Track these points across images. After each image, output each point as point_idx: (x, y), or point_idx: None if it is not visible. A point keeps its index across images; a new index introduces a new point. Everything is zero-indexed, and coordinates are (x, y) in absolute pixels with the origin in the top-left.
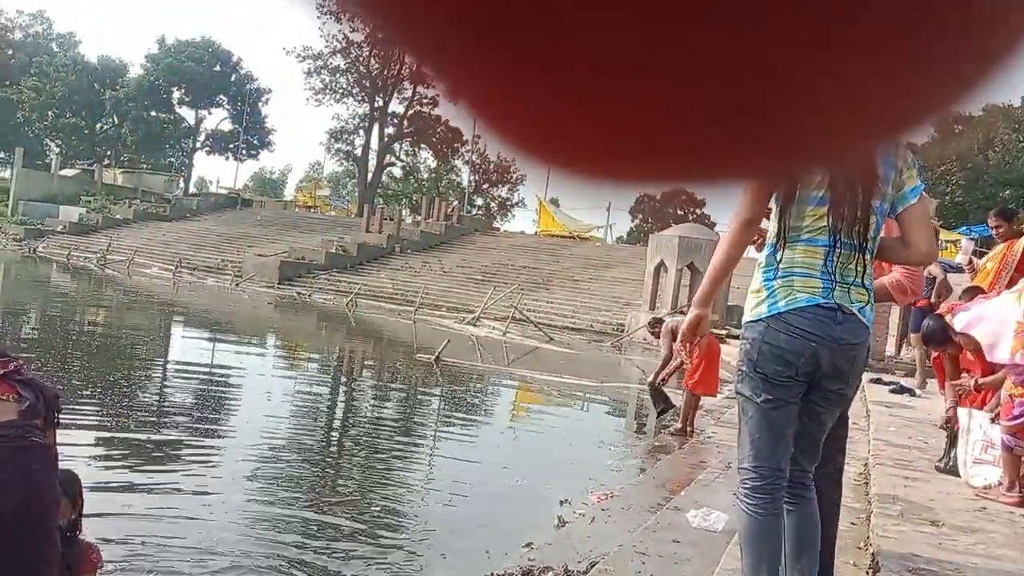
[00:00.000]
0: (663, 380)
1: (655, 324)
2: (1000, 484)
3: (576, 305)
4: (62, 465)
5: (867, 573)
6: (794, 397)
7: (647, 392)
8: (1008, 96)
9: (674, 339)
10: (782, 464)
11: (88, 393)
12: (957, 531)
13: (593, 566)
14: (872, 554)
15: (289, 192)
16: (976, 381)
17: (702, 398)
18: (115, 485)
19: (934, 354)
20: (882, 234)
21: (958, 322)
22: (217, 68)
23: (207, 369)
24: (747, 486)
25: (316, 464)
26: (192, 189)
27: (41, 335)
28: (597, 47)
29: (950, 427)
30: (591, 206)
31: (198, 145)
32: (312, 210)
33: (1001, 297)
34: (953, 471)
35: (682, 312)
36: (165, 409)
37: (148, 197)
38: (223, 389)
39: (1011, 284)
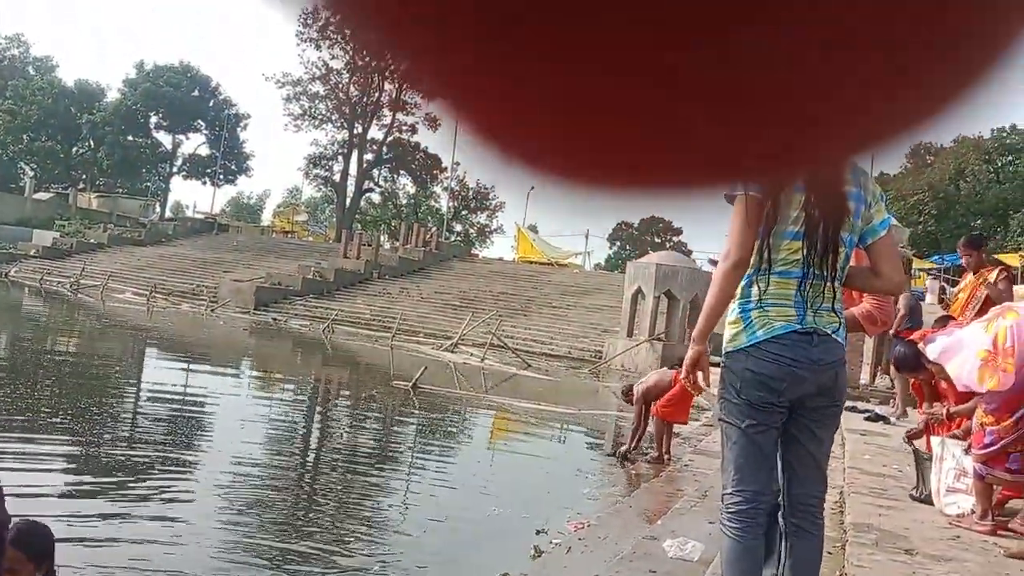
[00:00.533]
0: (634, 447)
1: (627, 392)
2: (973, 512)
3: (554, 332)
4: (32, 503)
5: None
6: (776, 423)
7: (618, 461)
8: (978, 128)
9: (644, 402)
10: (765, 488)
11: (58, 420)
12: (931, 560)
13: None
14: None
15: (266, 217)
16: (948, 409)
17: (676, 426)
18: (85, 512)
19: (913, 380)
20: (852, 263)
21: (931, 351)
22: (195, 93)
23: (180, 396)
24: (731, 510)
25: (288, 492)
26: (168, 214)
27: (10, 361)
28: (583, 54)
29: (911, 445)
30: (571, 232)
31: (175, 170)
32: (289, 235)
33: (971, 327)
34: (927, 500)
35: (659, 339)
36: (137, 436)
37: (123, 222)
38: (196, 416)
39: (981, 314)
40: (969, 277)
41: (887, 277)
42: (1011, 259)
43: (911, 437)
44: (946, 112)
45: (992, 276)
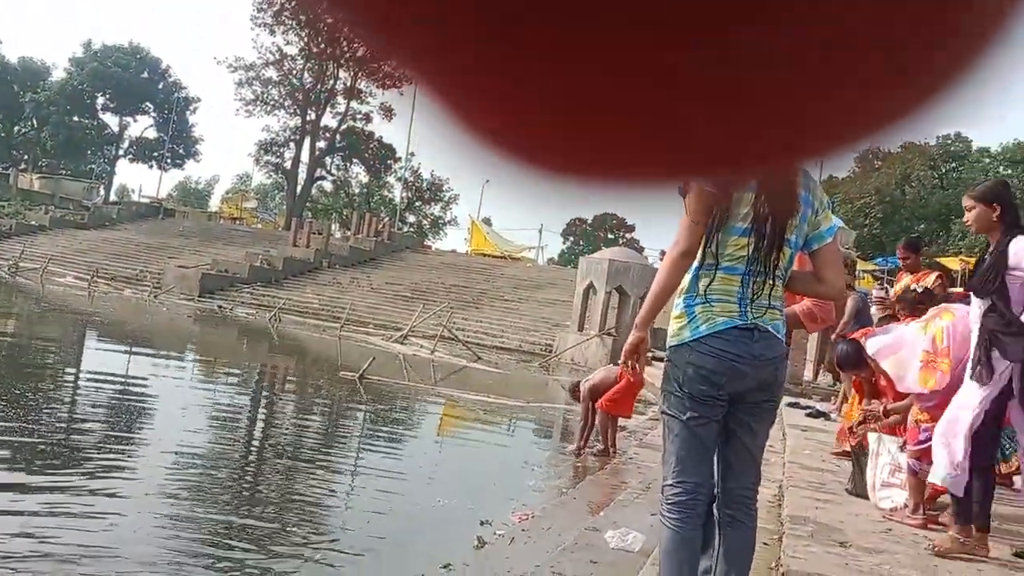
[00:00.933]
0: (585, 443)
1: (574, 389)
2: (906, 506)
3: (505, 325)
4: None
5: None
6: (717, 416)
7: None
8: (924, 135)
9: (591, 399)
10: (705, 480)
11: None
12: (864, 552)
13: None
14: (782, 574)
15: (214, 203)
16: (885, 407)
17: (621, 420)
18: (20, 493)
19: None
20: (795, 267)
21: (871, 346)
22: (145, 75)
23: (120, 382)
24: (671, 501)
25: (231, 479)
26: (113, 197)
27: None
28: (571, 48)
29: (858, 445)
30: (523, 227)
31: (121, 152)
32: (238, 222)
33: (911, 326)
34: (863, 494)
35: (609, 334)
36: (75, 421)
37: (66, 204)
38: (136, 403)
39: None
40: (906, 279)
41: (831, 283)
42: (952, 263)
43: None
44: (921, 114)
45: (929, 280)
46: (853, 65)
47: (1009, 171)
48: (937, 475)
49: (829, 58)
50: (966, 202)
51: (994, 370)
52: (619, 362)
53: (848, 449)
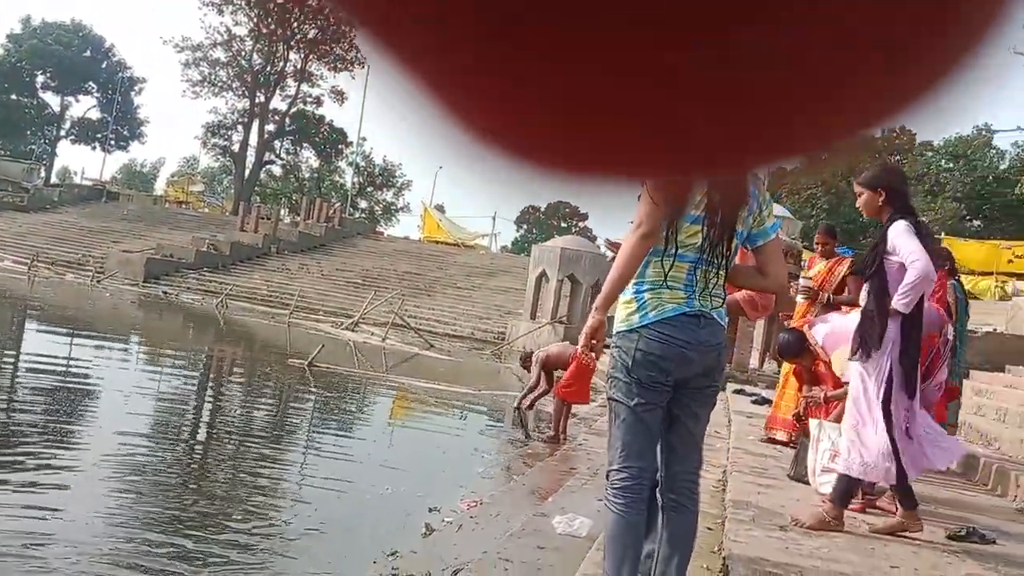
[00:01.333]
0: (530, 405)
1: (526, 359)
2: None
3: (458, 312)
4: None
5: None
6: (663, 401)
7: (515, 414)
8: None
9: (543, 367)
10: (650, 465)
11: None
12: (803, 536)
13: (456, 573)
14: (724, 558)
15: (160, 187)
16: (825, 394)
17: (574, 406)
18: None
19: (793, 365)
20: (737, 260)
21: (816, 335)
22: (87, 53)
23: (61, 369)
24: (617, 486)
25: (174, 466)
26: (54, 179)
27: None
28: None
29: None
30: (476, 214)
31: (62, 133)
32: (184, 206)
33: (851, 316)
34: (804, 479)
35: (561, 322)
36: (14, 408)
37: (4, 186)
38: (78, 390)
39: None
40: (820, 265)
41: (774, 277)
42: None
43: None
44: (916, 109)
45: (844, 267)
46: (847, 60)
47: (951, 165)
48: (853, 468)
49: (823, 52)
50: (856, 188)
51: (870, 351)
52: (578, 346)
53: (778, 437)
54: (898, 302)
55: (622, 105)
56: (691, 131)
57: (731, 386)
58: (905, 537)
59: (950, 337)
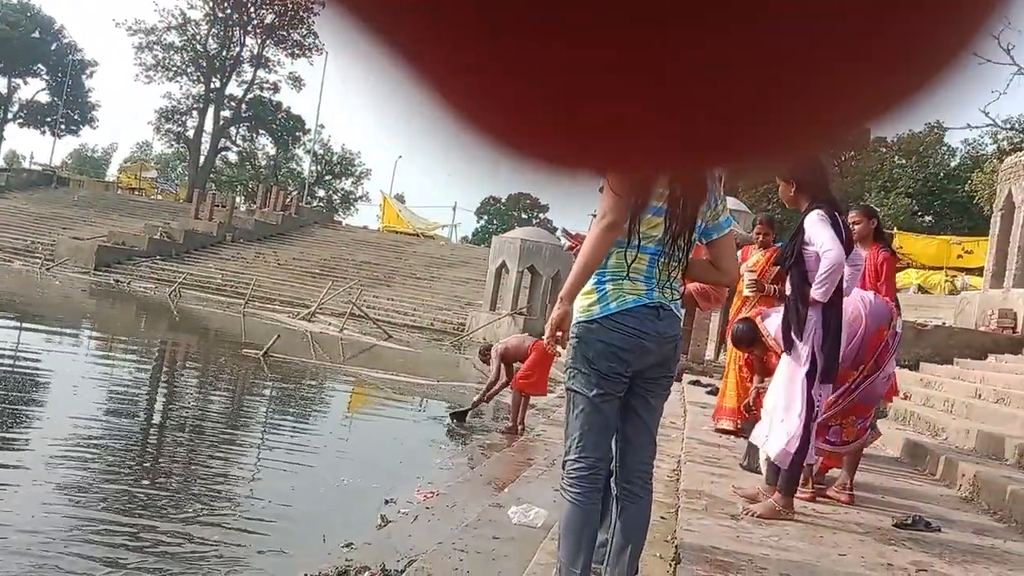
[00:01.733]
0: (488, 398)
1: (484, 352)
2: None
3: (418, 303)
4: None
5: (670, 565)
6: (620, 392)
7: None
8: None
9: (502, 359)
10: (606, 455)
11: None
12: (755, 524)
13: (411, 564)
14: (676, 547)
15: (112, 172)
16: None
17: (532, 397)
18: None
19: (746, 354)
20: (692, 255)
21: (769, 324)
22: (36, 34)
23: (8, 357)
24: (573, 476)
25: (123, 456)
26: (1, 163)
27: None
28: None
29: (747, 417)
30: (437, 204)
31: (10, 116)
32: (136, 192)
33: None
34: (756, 469)
35: (520, 313)
36: None
37: None
38: (26, 379)
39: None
40: (758, 255)
41: (726, 271)
42: None
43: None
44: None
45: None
46: (815, 65)
47: (904, 161)
48: (773, 450)
49: (790, 57)
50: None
51: (792, 341)
52: (544, 337)
53: (726, 427)
54: (815, 291)
55: (590, 96)
56: (657, 126)
57: (687, 377)
58: (851, 525)
59: (899, 330)
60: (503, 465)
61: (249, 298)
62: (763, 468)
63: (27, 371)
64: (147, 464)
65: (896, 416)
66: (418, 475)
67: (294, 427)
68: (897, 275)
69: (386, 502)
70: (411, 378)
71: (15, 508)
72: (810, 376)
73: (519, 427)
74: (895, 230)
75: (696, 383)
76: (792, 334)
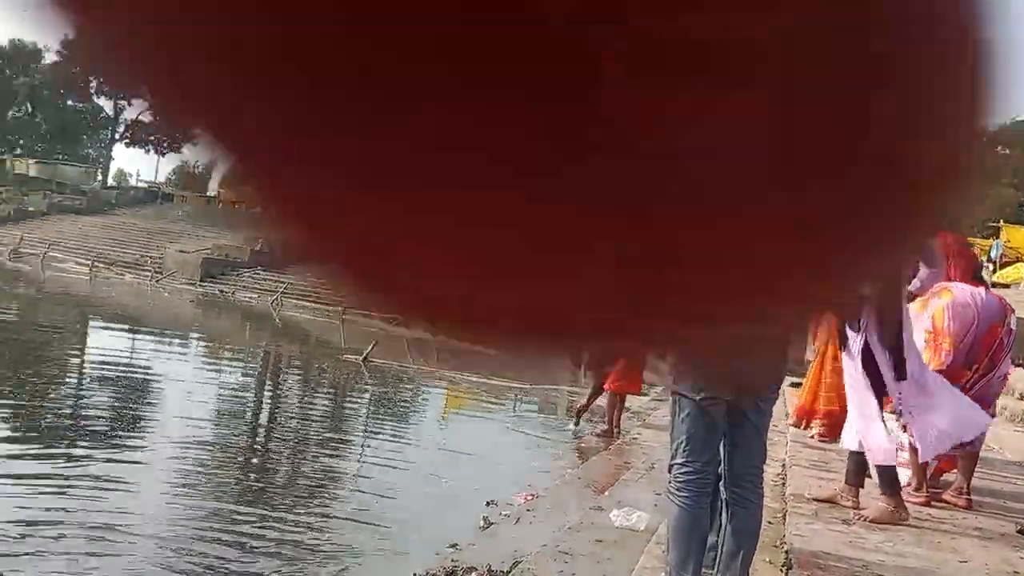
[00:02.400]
0: (586, 406)
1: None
2: (909, 485)
3: None
4: None
5: (781, 570)
6: (730, 394)
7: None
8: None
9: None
10: (714, 459)
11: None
12: (867, 529)
13: (516, 566)
14: (786, 552)
15: (214, 187)
16: None
17: (628, 399)
18: (28, 477)
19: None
20: None
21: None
22: None
23: (124, 369)
24: (681, 480)
25: (235, 466)
26: (111, 182)
27: None
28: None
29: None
30: None
31: (117, 136)
32: (237, 206)
33: (908, 306)
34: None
35: None
36: (82, 405)
37: (63, 189)
38: (144, 386)
39: None
40: None
41: None
42: None
43: None
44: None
45: None
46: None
47: (1007, 151)
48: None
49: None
50: None
51: (846, 339)
52: None
53: (819, 431)
54: None
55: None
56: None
57: (789, 379)
58: (971, 531)
59: (1013, 327)
60: (601, 468)
61: (347, 306)
62: (873, 474)
63: (144, 376)
64: (259, 461)
65: (1012, 417)
66: (516, 478)
67: (394, 428)
68: (1005, 270)
69: (487, 504)
70: (504, 381)
71: (145, 500)
72: (873, 373)
73: (615, 430)
74: (1000, 223)
75: (796, 385)
76: (844, 334)
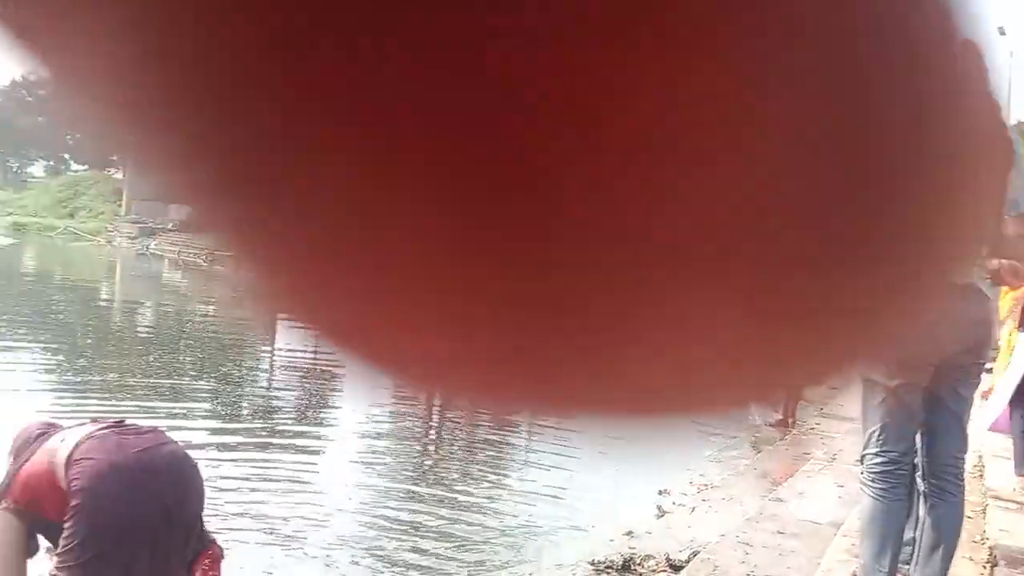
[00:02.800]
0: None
1: None
2: None
3: None
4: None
5: (984, 567)
6: (924, 381)
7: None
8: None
9: None
10: (910, 448)
11: (203, 385)
12: None
13: (695, 555)
14: (990, 548)
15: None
16: None
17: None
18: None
19: None
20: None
21: None
22: None
23: (302, 360)
24: (875, 471)
25: (413, 461)
26: None
27: (157, 331)
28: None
29: None
30: None
31: None
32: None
33: None
34: None
35: None
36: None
37: None
38: (316, 383)
39: None
40: None
41: None
42: None
43: None
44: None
45: None
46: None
47: None
48: None
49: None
50: None
51: None
52: None
53: None
54: None
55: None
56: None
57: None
58: None
59: None
60: (777, 458)
61: None
62: None
63: (327, 376)
64: (431, 447)
65: None
66: (689, 466)
67: (559, 421)
68: None
69: (659, 492)
70: None
71: (324, 490)
72: None
73: (790, 420)
74: None
75: (987, 371)
76: None
